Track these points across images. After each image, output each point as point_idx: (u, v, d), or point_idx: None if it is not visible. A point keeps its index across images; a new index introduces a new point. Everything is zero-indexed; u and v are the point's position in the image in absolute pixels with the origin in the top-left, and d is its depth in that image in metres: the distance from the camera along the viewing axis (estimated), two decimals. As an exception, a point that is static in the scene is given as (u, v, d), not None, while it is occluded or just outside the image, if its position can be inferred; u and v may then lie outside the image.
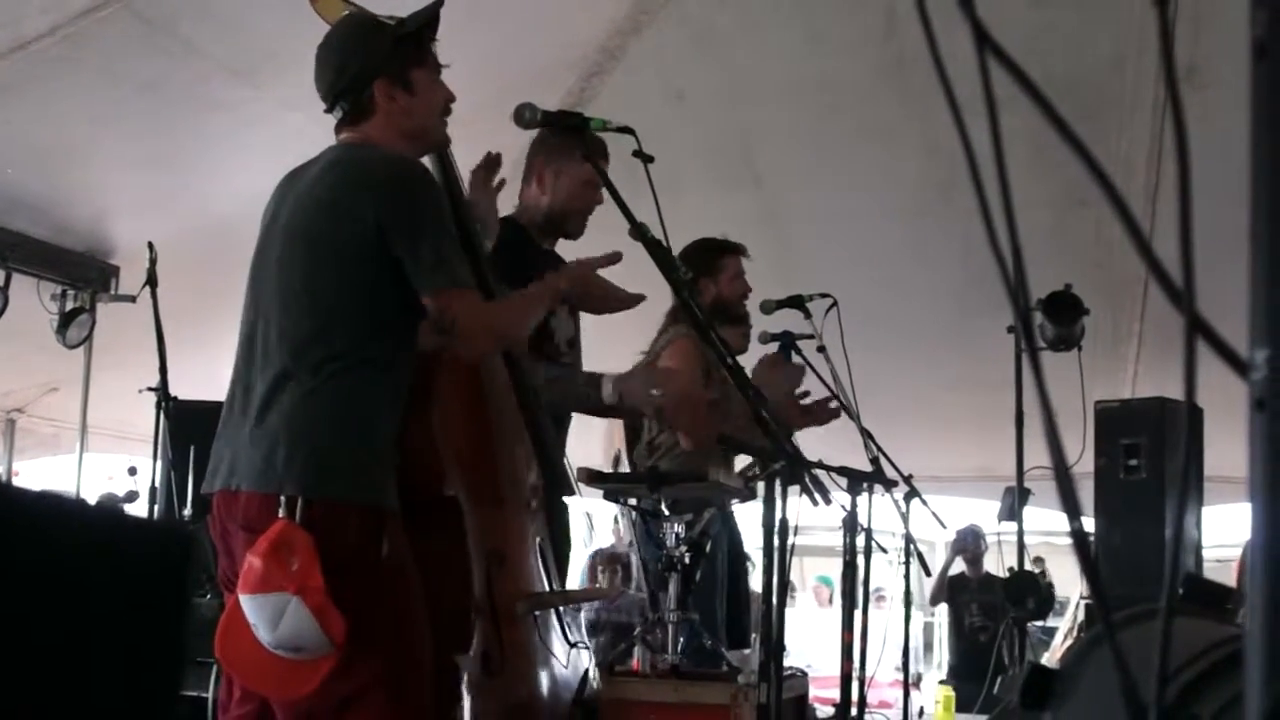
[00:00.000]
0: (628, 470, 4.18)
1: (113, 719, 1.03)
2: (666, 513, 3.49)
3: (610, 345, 3.64)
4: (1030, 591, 5.54)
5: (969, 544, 8.30)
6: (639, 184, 2.81)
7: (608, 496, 3.66)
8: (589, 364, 3.58)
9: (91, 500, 5.53)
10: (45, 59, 4.84)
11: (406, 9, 2.51)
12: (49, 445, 7.25)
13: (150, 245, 5.30)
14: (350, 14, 2.61)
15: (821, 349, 4.42)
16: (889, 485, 4.27)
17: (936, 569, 8.17)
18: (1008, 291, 0.79)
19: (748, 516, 4.35)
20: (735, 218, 6.23)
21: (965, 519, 8.32)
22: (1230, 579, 5.48)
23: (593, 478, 3.42)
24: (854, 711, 3.82)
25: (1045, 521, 7.91)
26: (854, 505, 3.77)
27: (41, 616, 0.97)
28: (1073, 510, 0.80)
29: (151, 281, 5.25)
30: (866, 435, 4.46)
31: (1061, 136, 0.75)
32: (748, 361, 4.28)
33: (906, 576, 4.83)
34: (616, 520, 8.23)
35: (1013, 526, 5.79)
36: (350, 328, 2.30)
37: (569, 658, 2.75)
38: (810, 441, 4.66)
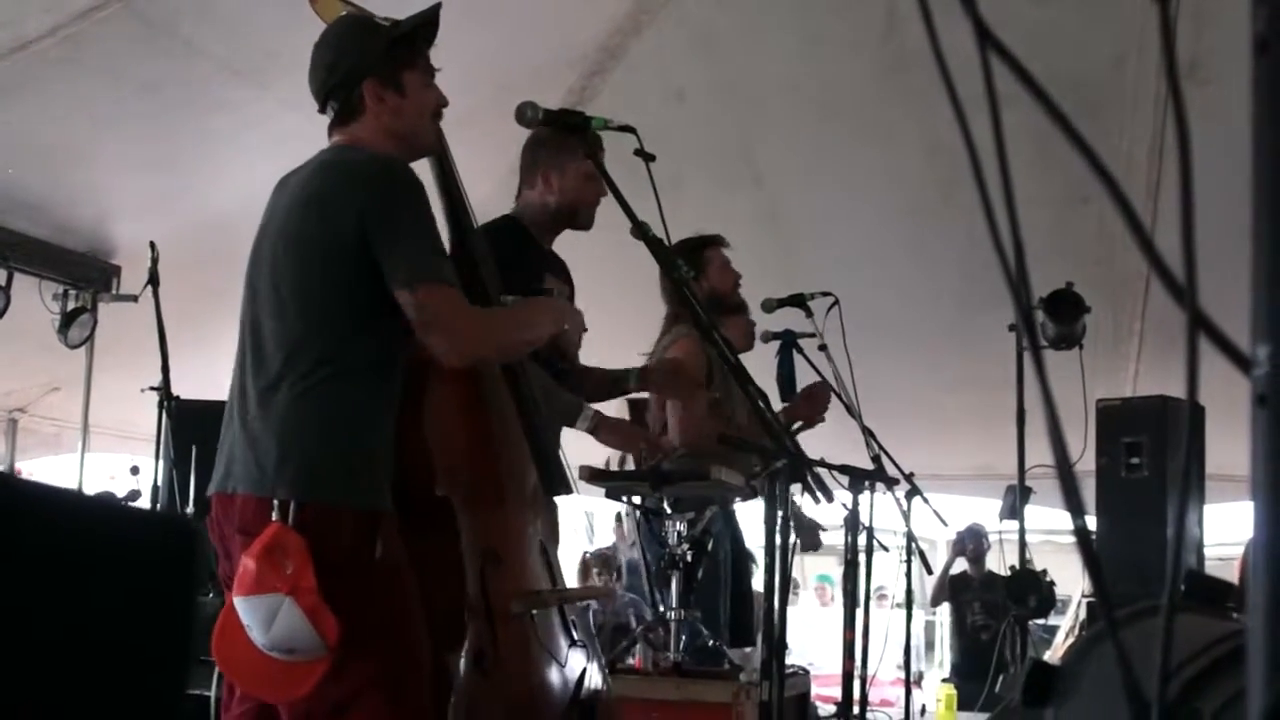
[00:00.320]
0: (632, 469, 4.18)
1: (119, 713, 1.03)
2: (669, 511, 3.50)
3: (611, 349, 3.64)
4: (1032, 590, 5.53)
5: (970, 543, 8.30)
6: (640, 183, 2.81)
7: (610, 495, 3.67)
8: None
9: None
10: (46, 59, 4.84)
11: (405, 11, 2.51)
12: (51, 445, 7.25)
13: (152, 245, 5.31)
14: (345, 15, 2.60)
15: (823, 347, 4.43)
16: (891, 483, 4.27)
17: (938, 568, 8.17)
18: (1010, 289, 0.79)
19: (749, 516, 4.36)
20: (735, 217, 6.24)
21: (967, 517, 8.32)
22: (1232, 577, 5.47)
23: (594, 476, 3.43)
24: (856, 710, 3.83)
25: (1047, 520, 7.90)
26: (856, 504, 3.77)
27: (46, 609, 0.97)
28: (1075, 507, 0.80)
29: (154, 281, 5.25)
30: (868, 433, 4.46)
31: (1064, 133, 0.75)
32: (750, 359, 4.29)
33: (908, 575, 4.83)
34: (618, 519, 8.25)
35: (1014, 525, 5.79)
36: (338, 331, 2.30)
37: (568, 657, 2.75)
38: (812, 440, 4.67)
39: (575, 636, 2.78)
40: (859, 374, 4.41)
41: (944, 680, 6.83)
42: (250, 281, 2.42)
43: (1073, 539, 0.87)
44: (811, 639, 8.60)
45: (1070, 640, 7.61)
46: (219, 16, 5.04)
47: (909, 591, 4.85)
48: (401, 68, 2.45)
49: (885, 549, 4.56)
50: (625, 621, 6.16)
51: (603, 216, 3.37)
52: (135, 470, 5.82)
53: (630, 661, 3.68)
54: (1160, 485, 5.36)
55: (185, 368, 5.33)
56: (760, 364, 4.40)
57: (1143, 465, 5.44)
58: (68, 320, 6.01)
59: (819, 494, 2.69)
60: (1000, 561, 6.28)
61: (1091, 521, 5.57)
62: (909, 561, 4.81)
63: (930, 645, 9.83)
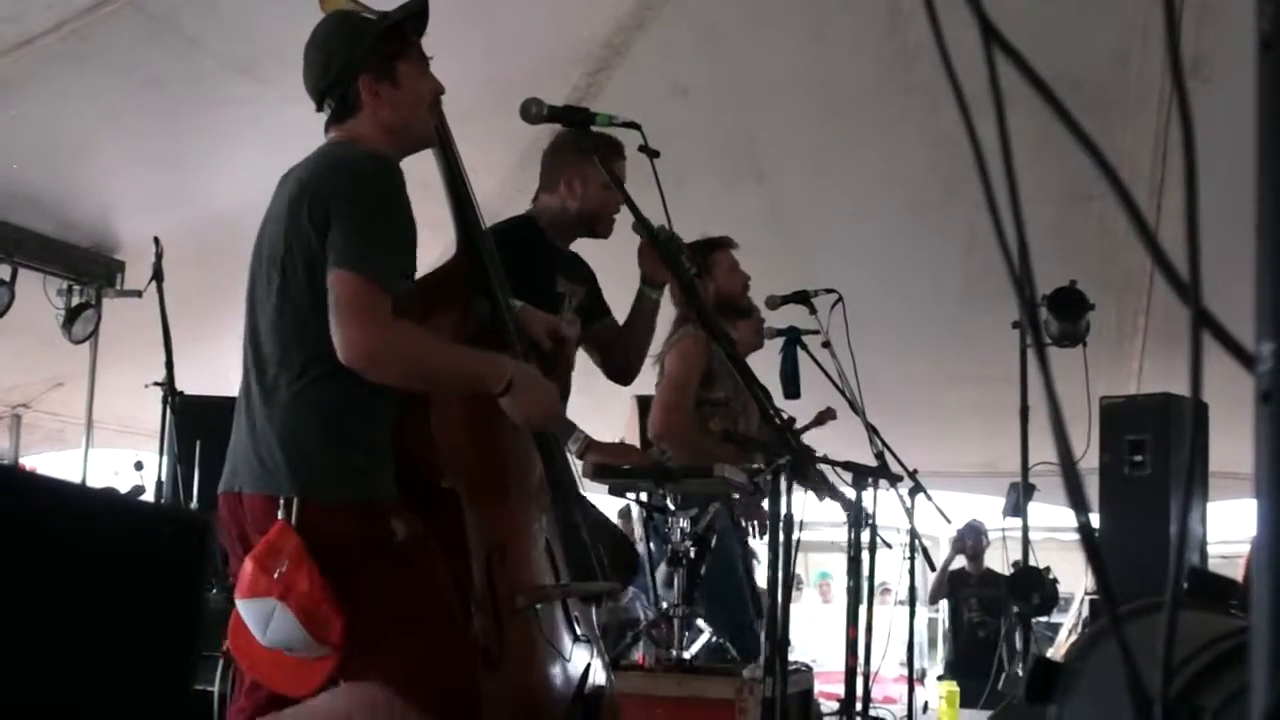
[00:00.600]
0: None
1: (129, 704, 1.03)
2: (672, 508, 3.50)
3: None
4: (1035, 587, 5.53)
5: (969, 540, 8.30)
6: (644, 179, 2.81)
7: (614, 491, 3.67)
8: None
9: (97, 495, 5.54)
10: (50, 55, 4.85)
11: (410, 7, 2.50)
12: (55, 440, 7.26)
13: (156, 240, 5.31)
14: (333, 12, 2.60)
15: (826, 344, 4.43)
16: (894, 480, 4.27)
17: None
18: (1014, 287, 0.79)
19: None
20: (739, 213, 6.25)
21: (970, 514, 8.33)
22: (1236, 575, 5.47)
23: (599, 472, 3.43)
24: (859, 707, 3.83)
25: (1050, 517, 7.90)
26: (859, 500, 3.77)
27: (58, 603, 0.98)
28: (1079, 504, 0.80)
29: (158, 276, 5.26)
30: (871, 430, 4.46)
31: (1068, 129, 0.75)
32: (754, 356, 4.30)
33: (911, 572, 4.83)
34: (620, 515, 8.24)
35: (1018, 522, 5.79)
36: (329, 326, 2.28)
37: (573, 652, 2.75)
38: (816, 437, 4.68)
39: (579, 631, 2.78)
40: (862, 371, 4.41)
41: (939, 678, 6.83)
42: (252, 278, 2.43)
43: (1076, 536, 0.87)
44: (814, 636, 8.60)
45: (1073, 638, 7.61)
46: (222, 12, 5.05)
47: (912, 588, 4.86)
48: (394, 59, 2.44)
49: (889, 546, 4.56)
50: (635, 617, 6.15)
51: (619, 220, 3.36)
52: (139, 466, 5.83)
53: (634, 657, 3.68)
54: (1164, 482, 5.35)
55: (189, 363, 5.34)
56: (764, 361, 4.41)
57: (1146, 462, 5.43)
58: (72, 316, 6.02)
59: (823, 491, 2.69)
60: (1003, 558, 6.28)
61: (1095, 519, 5.57)
62: (912, 558, 4.81)
63: (933, 642, 9.83)
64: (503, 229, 3.24)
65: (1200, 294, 0.71)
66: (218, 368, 5.61)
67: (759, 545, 4.30)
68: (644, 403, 4.24)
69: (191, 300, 5.52)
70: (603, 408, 4.62)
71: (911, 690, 4.88)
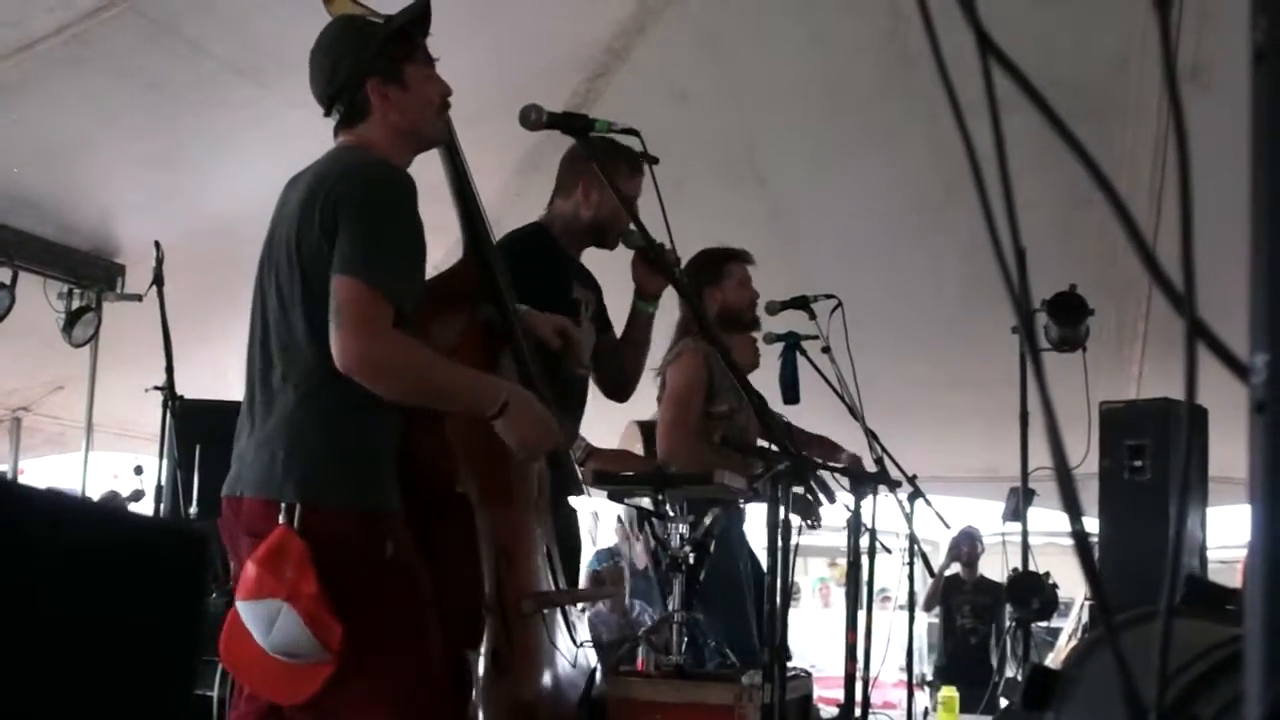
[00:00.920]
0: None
1: (128, 715, 1.04)
2: (671, 514, 3.50)
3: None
4: (1034, 592, 5.53)
5: (964, 546, 8.31)
6: (643, 185, 2.81)
7: (612, 497, 3.67)
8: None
9: (95, 499, 5.54)
10: (51, 59, 4.85)
11: (415, 9, 2.51)
12: (55, 443, 7.26)
13: (157, 245, 5.31)
14: (339, 16, 2.59)
15: (826, 349, 4.43)
16: (893, 486, 4.27)
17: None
18: (1009, 295, 0.79)
19: (751, 517, 4.35)
20: (739, 218, 6.25)
21: (969, 519, 8.32)
22: (1235, 580, 5.47)
23: (599, 478, 3.43)
24: (858, 712, 3.83)
25: (1050, 522, 7.89)
26: (858, 506, 3.77)
27: (58, 615, 0.98)
28: (1074, 511, 0.80)
29: (158, 281, 5.25)
30: (871, 435, 4.46)
31: (1063, 140, 0.75)
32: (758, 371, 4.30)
33: (911, 577, 4.83)
34: (619, 521, 8.23)
35: (1017, 527, 5.78)
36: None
37: (576, 657, 2.76)
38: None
39: (581, 636, 2.79)
40: (863, 374, 4.40)
41: (928, 682, 6.82)
42: (259, 282, 2.43)
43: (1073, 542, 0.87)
44: (813, 641, 8.59)
45: (1073, 643, 7.60)
46: (223, 16, 5.05)
47: (911, 593, 4.85)
48: (401, 62, 2.44)
49: (888, 551, 4.55)
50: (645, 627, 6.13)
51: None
52: (139, 470, 5.83)
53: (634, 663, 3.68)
54: (1163, 487, 5.35)
55: (189, 367, 5.34)
56: (764, 366, 4.41)
57: (1145, 468, 5.43)
58: (72, 319, 6.02)
59: (822, 496, 2.69)
60: (1003, 564, 6.27)
61: (1094, 524, 5.56)
62: (911, 564, 4.80)
63: (933, 647, 9.81)
64: (519, 237, 3.25)
65: (1195, 306, 0.71)
66: (218, 372, 5.62)
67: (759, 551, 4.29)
68: (646, 429, 4.23)
69: (192, 304, 5.52)
70: (603, 416, 4.62)
71: (911, 695, 4.87)
